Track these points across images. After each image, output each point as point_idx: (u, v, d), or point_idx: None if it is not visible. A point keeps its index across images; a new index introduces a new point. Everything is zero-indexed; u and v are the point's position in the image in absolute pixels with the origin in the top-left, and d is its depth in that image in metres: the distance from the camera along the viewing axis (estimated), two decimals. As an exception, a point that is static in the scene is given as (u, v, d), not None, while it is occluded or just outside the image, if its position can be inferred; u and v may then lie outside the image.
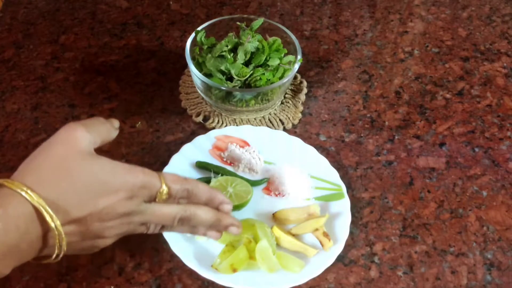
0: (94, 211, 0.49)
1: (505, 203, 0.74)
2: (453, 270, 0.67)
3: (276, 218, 0.69)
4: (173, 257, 0.64)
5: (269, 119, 0.82)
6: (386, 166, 0.77)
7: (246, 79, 0.77)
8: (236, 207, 0.68)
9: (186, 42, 0.80)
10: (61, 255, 0.50)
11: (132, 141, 0.78)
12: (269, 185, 0.73)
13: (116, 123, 0.58)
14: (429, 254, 0.68)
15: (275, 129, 0.80)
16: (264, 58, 0.78)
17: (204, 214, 0.56)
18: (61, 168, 0.49)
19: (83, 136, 0.51)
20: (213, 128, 0.80)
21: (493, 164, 0.78)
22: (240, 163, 0.74)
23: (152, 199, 0.53)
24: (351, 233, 0.68)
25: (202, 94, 0.81)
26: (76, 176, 0.49)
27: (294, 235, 0.67)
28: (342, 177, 0.73)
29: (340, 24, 0.98)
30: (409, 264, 0.67)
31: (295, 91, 0.86)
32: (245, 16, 0.84)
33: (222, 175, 0.72)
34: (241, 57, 0.77)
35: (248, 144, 0.77)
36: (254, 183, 0.72)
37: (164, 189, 0.53)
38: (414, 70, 0.91)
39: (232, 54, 0.77)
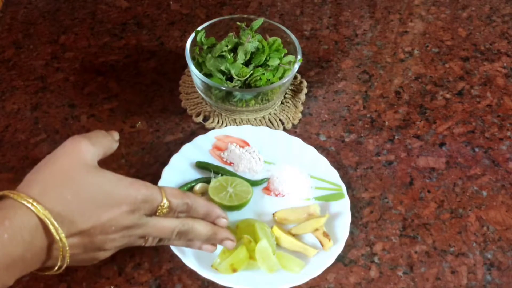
0: (97, 223, 0.50)
1: (505, 203, 0.74)
2: (453, 270, 0.67)
3: (276, 218, 0.69)
4: (173, 257, 0.64)
5: (269, 119, 0.82)
6: (386, 166, 0.77)
7: (246, 79, 0.77)
8: (236, 207, 0.68)
9: (186, 42, 0.80)
10: (63, 267, 0.50)
11: (132, 141, 0.78)
12: (269, 185, 0.73)
13: (116, 135, 0.58)
14: (429, 254, 0.68)
15: (275, 129, 0.80)
16: (264, 58, 0.78)
17: (201, 228, 0.58)
18: (66, 181, 0.49)
19: (88, 149, 0.52)
20: (213, 128, 0.80)
21: (493, 164, 0.78)
22: (240, 163, 0.74)
23: (153, 213, 0.54)
24: (351, 233, 0.68)
25: (202, 94, 0.81)
26: (81, 188, 0.49)
27: (294, 235, 0.67)
28: (342, 177, 0.73)
29: (340, 24, 0.98)
30: (409, 264, 0.67)
31: (295, 91, 0.86)
32: (245, 16, 0.84)
33: (222, 175, 0.72)
34: (241, 57, 0.77)
35: (248, 144, 0.77)
36: (254, 183, 0.72)
37: (165, 203, 0.54)
38: (414, 70, 0.91)
39: (232, 54, 0.77)
